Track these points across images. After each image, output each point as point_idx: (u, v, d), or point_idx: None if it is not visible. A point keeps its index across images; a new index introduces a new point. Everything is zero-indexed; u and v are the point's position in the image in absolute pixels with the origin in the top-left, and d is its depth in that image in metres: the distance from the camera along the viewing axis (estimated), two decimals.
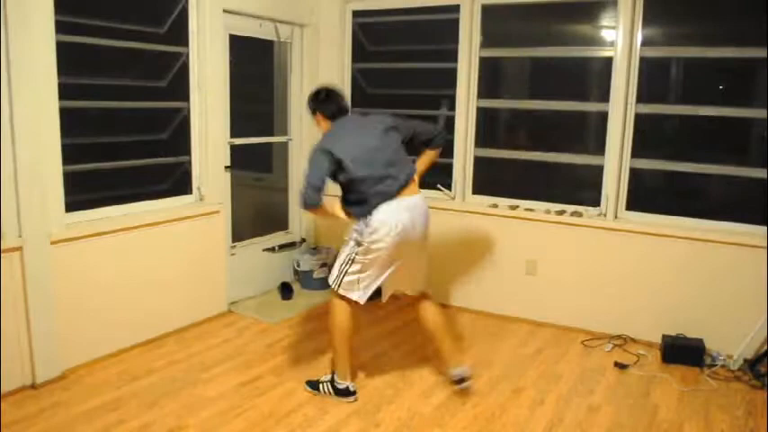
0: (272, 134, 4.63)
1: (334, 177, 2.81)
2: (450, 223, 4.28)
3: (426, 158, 3.09)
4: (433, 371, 3.31)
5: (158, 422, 2.72)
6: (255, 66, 4.53)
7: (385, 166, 2.79)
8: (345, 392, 2.96)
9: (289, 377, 3.19)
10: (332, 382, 2.99)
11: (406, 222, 2.78)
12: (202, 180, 3.89)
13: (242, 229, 4.32)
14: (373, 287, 2.89)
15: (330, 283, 2.94)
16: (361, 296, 2.88)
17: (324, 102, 2.95)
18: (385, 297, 3.09)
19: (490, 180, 4.29)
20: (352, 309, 2.92)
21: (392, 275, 2.92)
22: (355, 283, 2.86)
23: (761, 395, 3.14)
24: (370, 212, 2.78)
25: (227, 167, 4.06)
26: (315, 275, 4.57)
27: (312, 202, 2.74)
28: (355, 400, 2.95)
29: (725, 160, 3.59)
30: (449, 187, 4.36)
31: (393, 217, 2.76)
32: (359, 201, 2.82)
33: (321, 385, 3.02)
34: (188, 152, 3.83)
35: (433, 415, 2.86)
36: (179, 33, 3.68)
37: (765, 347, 3.35)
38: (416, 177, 2.93)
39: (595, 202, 3.92)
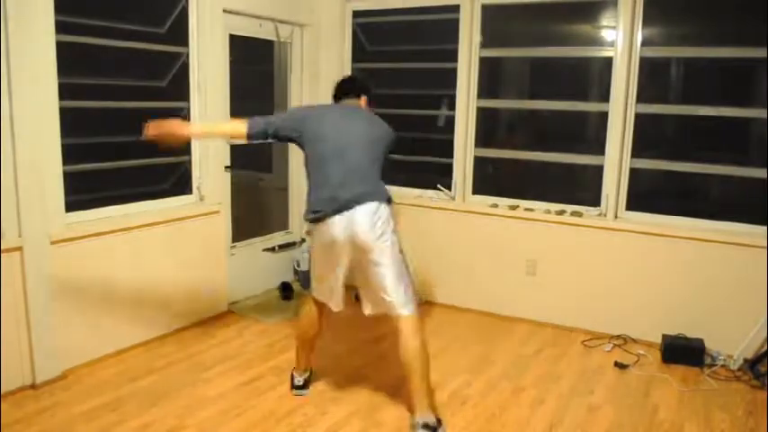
0: None
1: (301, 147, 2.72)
2: (450, 223, 4.28)
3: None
4: (433, 371, 3.30)
5: (158, 422, 2.72)
6: (255, 66, 4.53)
7: (350, 168, 2.60)
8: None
9: (289, 377, 3.19)
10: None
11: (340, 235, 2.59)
12: (202, 180, 3.89)
13: (242, 229, 4.31)
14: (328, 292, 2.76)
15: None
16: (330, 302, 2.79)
17: (336, 88, 2.91)
18: (364, 309, 2.78)
19: (490, 180, 4.29)
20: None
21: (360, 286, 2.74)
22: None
23: (761, 395, 3.14)
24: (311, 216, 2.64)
25: (227, 167, 4.06)
26: None
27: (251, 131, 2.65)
28: None
29: (725, 160, 3.59)
30: (449, 187, 4.36)
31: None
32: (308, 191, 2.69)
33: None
34: (188, 152, 3.82)
35: None
36: (179, 33, 3.67)
37: (765, 347, 3.35)
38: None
39: (595, 202, 3.92)
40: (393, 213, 2.68)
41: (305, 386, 3.05)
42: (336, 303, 2.79)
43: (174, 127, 2.64)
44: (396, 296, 2.59)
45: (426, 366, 2.61)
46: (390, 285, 2.59)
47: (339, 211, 2.56)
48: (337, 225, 2.57)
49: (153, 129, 2.55)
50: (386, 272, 2.58)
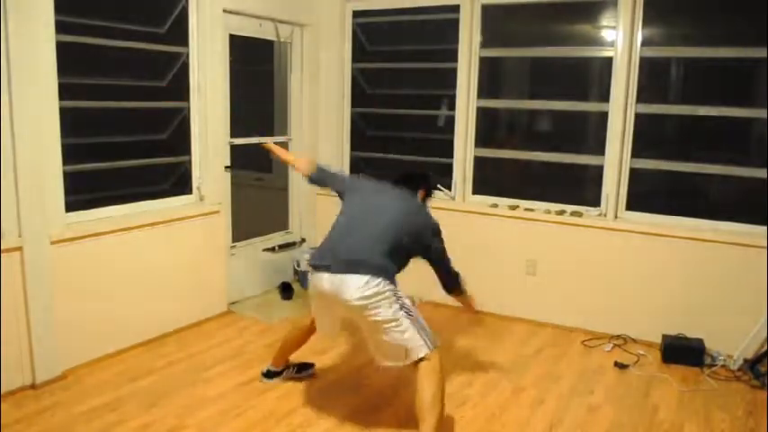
0: (272, 134, 4.63)
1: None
2: (451, 223, 4.26)
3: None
4: None
5: (158, 422, 2.72)
6: (255, 66, 4.53)
7: (363, 235, 2.59)
8: None
9: (287, 377, 3.19)
10: None
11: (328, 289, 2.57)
12: (202, 180, 3.89)
13: (242, 229, 4.31)
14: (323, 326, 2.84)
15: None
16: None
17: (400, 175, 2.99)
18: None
19: (490, 180, 4.29)
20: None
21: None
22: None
23: (761, 395, 3.14)
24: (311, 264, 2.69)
25: (227, 167, 4.06)
26: None
27: (312, 174, 3.03)
28: None
29: (725, 160, 3.59)
30: (449, 187, 4.36)
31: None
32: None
33: None
34: (188, 152, 3.83)
35: None
36: (179, 33, 3.67)
37: (765, 347, 3.35)
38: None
39: (595, 202, 3.92)
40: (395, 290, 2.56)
41: (272, 376, 3.12)
42: (324, 332, 2.88)
43: (273, 146, 3.24)
44: (403, 353, 2.52)
45: (439, 417, 2.45)
46: (399, 343, 2.51)
47: (331, 268, 2.53)
48: (326, 281, 2.54)
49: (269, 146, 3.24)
50: (389, 338, 2.52)
